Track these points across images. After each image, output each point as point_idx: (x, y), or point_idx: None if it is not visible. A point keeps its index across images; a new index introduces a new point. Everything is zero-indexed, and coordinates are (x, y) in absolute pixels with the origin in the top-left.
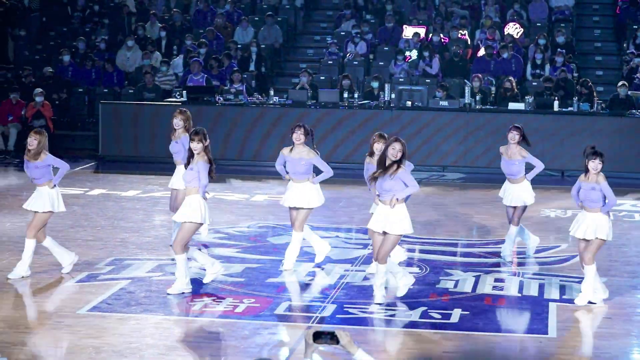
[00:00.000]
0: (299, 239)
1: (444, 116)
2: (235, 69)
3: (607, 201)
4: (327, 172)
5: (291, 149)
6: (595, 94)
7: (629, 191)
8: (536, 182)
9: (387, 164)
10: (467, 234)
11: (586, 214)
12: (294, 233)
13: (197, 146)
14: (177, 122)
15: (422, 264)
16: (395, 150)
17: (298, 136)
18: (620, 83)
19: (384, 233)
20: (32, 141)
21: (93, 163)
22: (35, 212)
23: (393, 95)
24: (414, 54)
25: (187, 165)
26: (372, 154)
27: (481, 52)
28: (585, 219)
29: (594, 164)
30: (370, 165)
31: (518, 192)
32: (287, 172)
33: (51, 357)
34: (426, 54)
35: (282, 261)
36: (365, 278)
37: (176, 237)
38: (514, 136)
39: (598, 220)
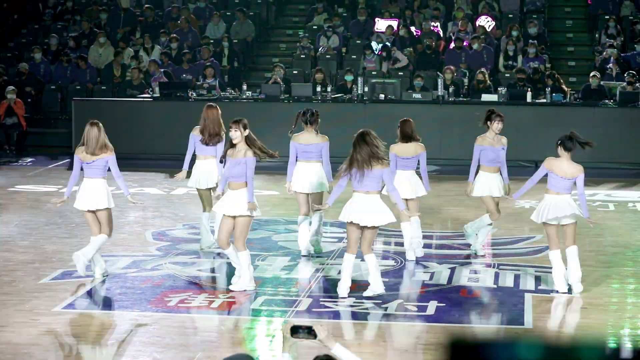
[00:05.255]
0: (321, 217)
1: (417, 109)
2: (208, 64)
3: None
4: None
5: (300, 136)
6: (563, 85)
7: (603, 181)
8: (510, 174)
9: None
10: (441, 226)
11: (556, 197)
12: (314, 217)
13: (235, 134)
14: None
15: (397, 257)
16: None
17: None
18: (592, 73)
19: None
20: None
21: (66, 160)
22: (104, 209)
23: (366, 89)
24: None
25: (223, 158)
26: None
27: (453, 44)
28: (559, 202)
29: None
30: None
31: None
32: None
33: (27, 354)
34: (391, 47)
35: (307, 251)
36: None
37: (236, 233)
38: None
39: (572, 202)
